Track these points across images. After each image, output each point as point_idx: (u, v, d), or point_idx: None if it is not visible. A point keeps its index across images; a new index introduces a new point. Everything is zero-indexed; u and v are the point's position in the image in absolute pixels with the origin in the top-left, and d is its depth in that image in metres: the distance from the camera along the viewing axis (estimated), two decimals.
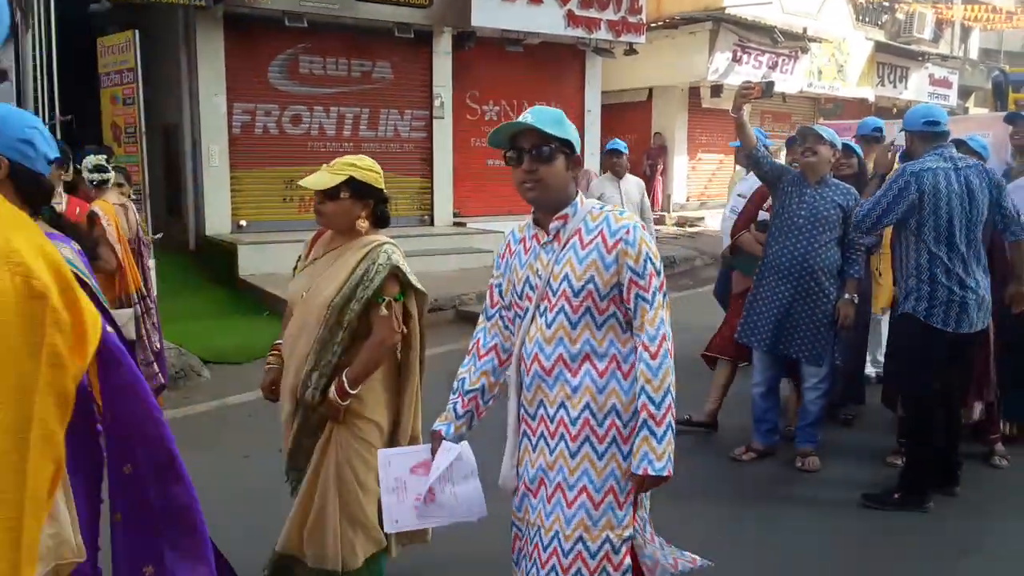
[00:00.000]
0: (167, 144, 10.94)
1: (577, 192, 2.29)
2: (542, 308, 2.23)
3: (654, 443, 2.12)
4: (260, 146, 10.65)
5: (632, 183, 7.18)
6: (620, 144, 7.15)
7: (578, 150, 2.25)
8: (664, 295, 2.20)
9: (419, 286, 2.86)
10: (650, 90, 16.69)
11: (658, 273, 2.19)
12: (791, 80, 16.72)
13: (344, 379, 2.71)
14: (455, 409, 2.37)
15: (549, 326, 2.21)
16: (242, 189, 10.59)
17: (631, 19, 12.84)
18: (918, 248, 3.94)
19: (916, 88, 20.14)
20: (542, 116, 2.18)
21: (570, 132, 2.20)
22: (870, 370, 5.81)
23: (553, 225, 2.24)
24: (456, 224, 12.06)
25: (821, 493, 4.29)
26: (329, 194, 2.75)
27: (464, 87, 12.33)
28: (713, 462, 4.68)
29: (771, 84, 4.42)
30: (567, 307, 2.19)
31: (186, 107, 10.25)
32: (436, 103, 11.68)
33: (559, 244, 2.22)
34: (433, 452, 2.33)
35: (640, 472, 2.13)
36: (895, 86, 19.68)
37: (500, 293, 2.41)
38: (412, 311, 2.89)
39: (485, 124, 12.68)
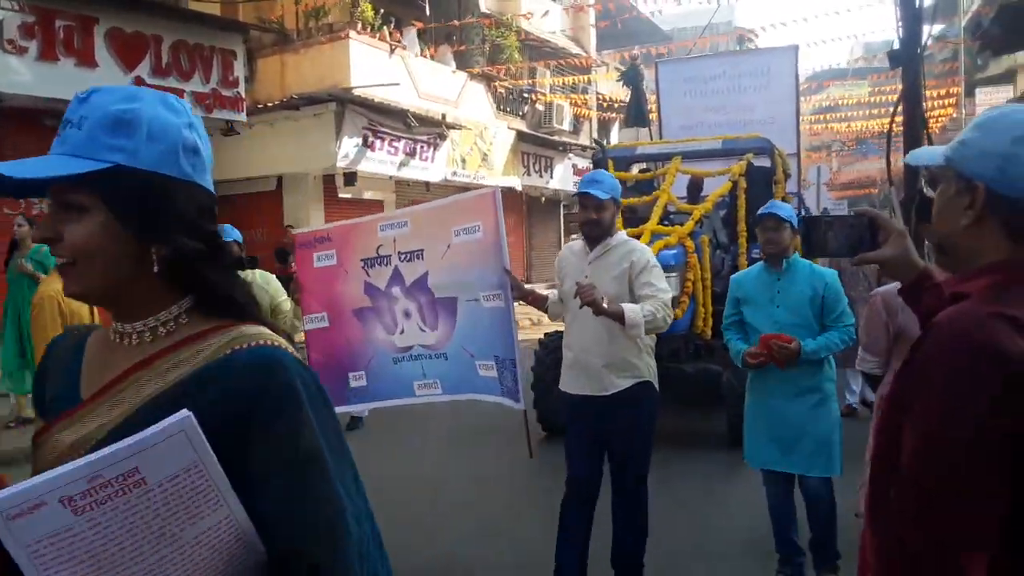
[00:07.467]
0: None
1: None
2: None
3: None
4: None
5: None
6: None
7: None
8: None
9: None
10: (279, 178, 14.81)
11: None
12: (432, 169, 15.83)
13: None
14: None
15: None
16: None
17: (225, 92, 10.88)
18: None
19: (561, 178, 20.52)
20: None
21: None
22: None
23: None
24: None
25: None
26: None
27: None
28: None
29: None
30: None
31: None
32: None
33: None
34: None
35: None
36: (541, 175, 19.81)
37: None
38: None
39: None
